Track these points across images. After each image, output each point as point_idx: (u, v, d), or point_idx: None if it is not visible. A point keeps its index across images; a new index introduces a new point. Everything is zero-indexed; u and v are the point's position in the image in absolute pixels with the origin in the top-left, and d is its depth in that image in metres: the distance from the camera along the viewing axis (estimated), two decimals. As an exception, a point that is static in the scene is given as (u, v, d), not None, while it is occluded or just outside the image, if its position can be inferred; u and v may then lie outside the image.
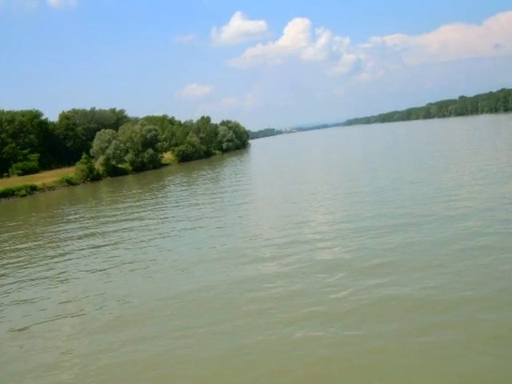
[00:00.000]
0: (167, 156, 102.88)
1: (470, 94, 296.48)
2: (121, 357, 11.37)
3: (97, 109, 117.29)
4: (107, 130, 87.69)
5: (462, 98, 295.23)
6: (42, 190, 66.17)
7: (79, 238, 27.07)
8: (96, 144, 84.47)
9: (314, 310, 12.46)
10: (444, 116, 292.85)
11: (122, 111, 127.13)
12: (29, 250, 25.51)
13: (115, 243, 24.08)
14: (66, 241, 26.71)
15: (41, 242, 27.26)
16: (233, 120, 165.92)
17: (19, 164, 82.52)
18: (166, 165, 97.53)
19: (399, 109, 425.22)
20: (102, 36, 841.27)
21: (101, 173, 78.90)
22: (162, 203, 37.36)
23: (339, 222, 22.12)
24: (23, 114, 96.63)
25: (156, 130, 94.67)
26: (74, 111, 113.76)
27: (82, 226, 31.02)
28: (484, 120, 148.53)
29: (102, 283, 17.43)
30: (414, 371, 9.36)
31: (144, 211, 33.59)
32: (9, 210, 52.26)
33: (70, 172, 75.72)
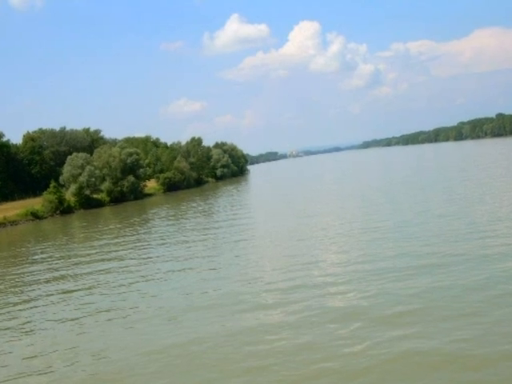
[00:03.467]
0: (151, 184, 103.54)
1: (509, 111, 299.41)
2: (96, 422, 11.43)
3: (68, 129, 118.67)
4: (80, 154, 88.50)
5: (500, 115, 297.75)
6: (2, 224, 66.38)
7: (47, 281, 27.18)
8: (67, 170, 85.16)
9: (325, 366, 12.56)
10: (478, 137, 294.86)
11: (97, 131, 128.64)
12: (-14, 295, 25.58)
13: (89, 288, 24.19)
14: (31, 285, 26.81)
15: (1, 287, 27.34)
16: (228, 142, 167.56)
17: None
18: (150, 195, 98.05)
19: (425, 128, 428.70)
20: (74, 43, 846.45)
21: (72, 204, 79.38)
22: (145, 240, 37.58)
23: (354, 262, 22.26)
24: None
25: (138, 154, 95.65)
26: (41, 131, 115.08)
27: (51, 267, 31.14)
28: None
29: (73, 335, 17.51)
30: None
31: (124, 250, 33.76)
32: (-38, 248, 52.36)
33: (35, 203, 76.05)
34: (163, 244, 34.36)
